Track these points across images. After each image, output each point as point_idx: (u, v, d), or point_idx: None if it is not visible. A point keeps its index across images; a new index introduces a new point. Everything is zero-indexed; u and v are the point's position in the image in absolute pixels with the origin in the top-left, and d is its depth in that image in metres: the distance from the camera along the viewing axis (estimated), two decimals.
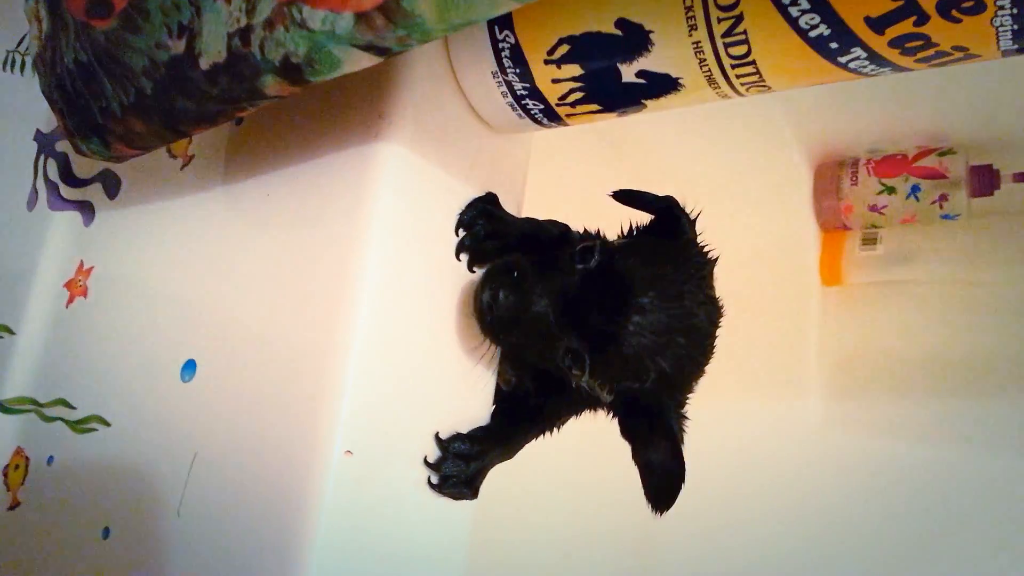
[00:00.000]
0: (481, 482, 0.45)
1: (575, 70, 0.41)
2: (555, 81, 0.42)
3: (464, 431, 0.45)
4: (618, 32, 0.38)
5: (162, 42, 0.38)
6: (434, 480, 0.43)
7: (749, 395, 1.05)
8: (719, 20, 0.36)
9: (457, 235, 0.45)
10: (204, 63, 0.37)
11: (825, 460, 1.00)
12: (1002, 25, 0.31)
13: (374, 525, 0.40)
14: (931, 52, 0.34)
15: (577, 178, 0.81)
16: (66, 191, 0.62)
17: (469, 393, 0.46)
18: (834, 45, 0.34)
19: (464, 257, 0.45)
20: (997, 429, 0.94)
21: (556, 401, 0.49)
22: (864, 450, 1.00)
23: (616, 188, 0.46)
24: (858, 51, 0.34)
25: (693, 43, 0.37)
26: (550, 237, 0.48)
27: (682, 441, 0.43)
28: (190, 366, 0.47)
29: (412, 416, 0.42)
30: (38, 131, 0.65)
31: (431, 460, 0.43)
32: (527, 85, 0.43)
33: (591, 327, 0.41)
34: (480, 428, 0.46)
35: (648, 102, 0.42)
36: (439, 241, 0.44)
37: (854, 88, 0.88)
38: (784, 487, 1.00)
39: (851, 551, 0.95)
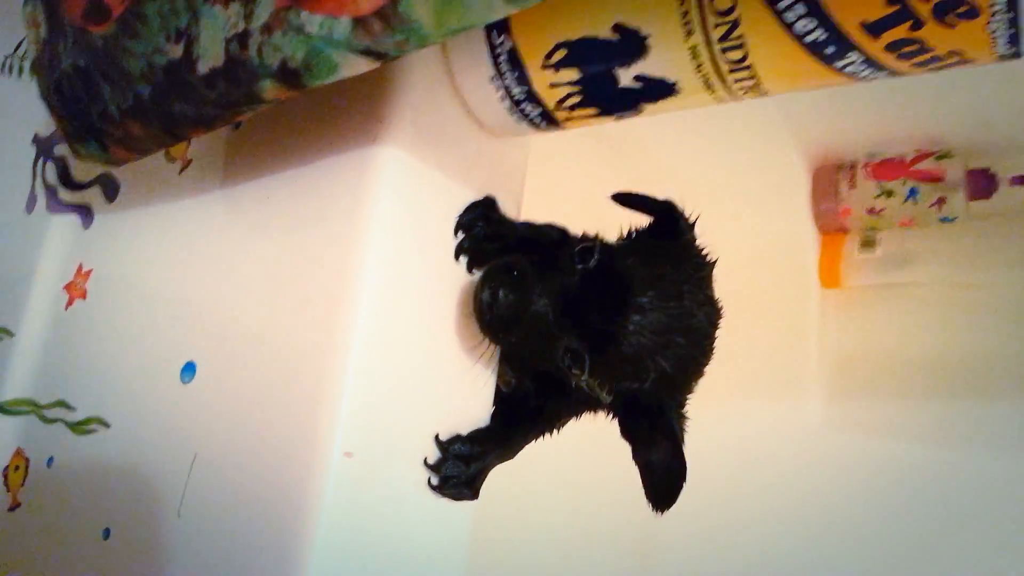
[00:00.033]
0: (481, 483, 0.45)
1: (572, 74, 0.41)
2: (552, 85, 0.42)
3: (464, 432, 0.45)
4: (615, 37, 0.38)
5: (160, 47, 0.39)
6: (434, 481, 0.43)
7: (749, 397, 1.05)
8: (715, 25, 0.36)
9: (456, 238, 0.45)
10: (202, 68, 0.37)
11: (824, 461, 1.00)
12: (997, 30, 0.31)
13: (374, 526, 0.40)
14: (927, 57, 0.34)
15: (575, 181, 0.81)
16: (65, 194, 0.62)
17: (469, 394, 0.46)
18: (830, 50, 0.35)
19: (463, 259, 0.46)
20: (995, 430, 0.94)
21: (556, 402, 0.49)
22: (863, 451, 1.00)
23: (615, 191, 0.46)
24: (854, 56, 0.35)
25: (690, 47, 0.37)
26: (549, 240, 0.48)
27: (683, 441, 0.43)
28: (189, 368, 0.47)
29: (412, 417, 0.42)
30: (36, 135, 0.65)
31: (431, 461, 0.43)
32: (525, 89, 0.43)
33: (591, 326, 0.41)
34: (480, 429, 0.46)
35: (645, 106, 0.42)
36: (438, 244, 0.45)
37: (852, 91, 0.88)
38: (783, 488, 1.00)
39: (850, 551, 0.96)
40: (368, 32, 0.32)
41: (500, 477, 0.47)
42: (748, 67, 0.37)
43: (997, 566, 0.89)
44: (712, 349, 0.45)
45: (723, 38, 0.36)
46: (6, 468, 0.57)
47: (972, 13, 0.31)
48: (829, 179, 1.08)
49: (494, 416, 0.47)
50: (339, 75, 0.34)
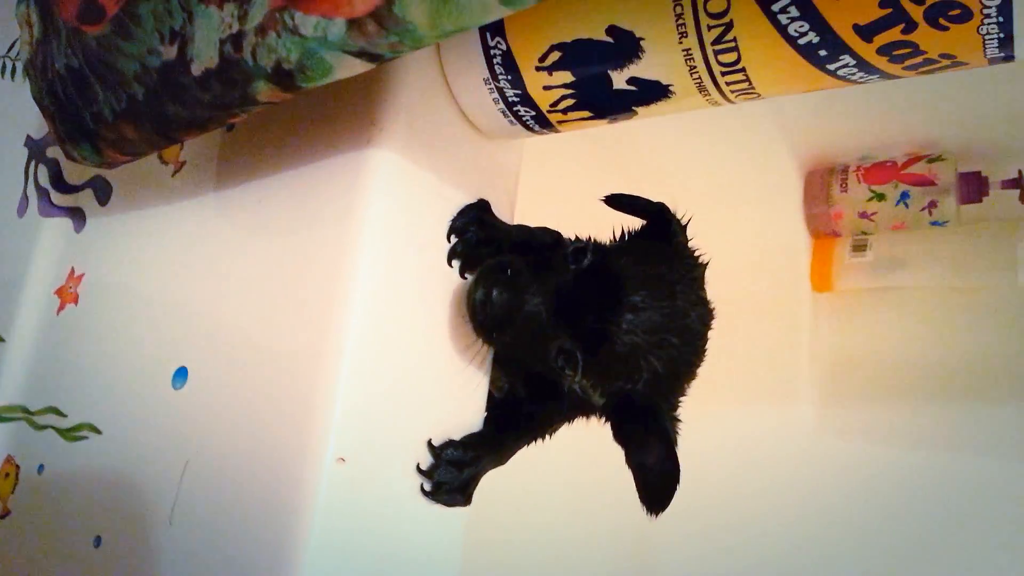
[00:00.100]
0: (474, 489, 0.45)
1: (566, 77, 0.41)
2: (546, 88, 0.42)
3: (457, 438, 0.45)
4: (609, 39, 0.38)
5: (154, 48, 0.38)
6: (427, 487, 0.43)
7: (741, 400, 1.05)
8: (709, 27, 0.36)
9: (449, 241, 0.45)
10: (196, 69, 0.37)
11: (816, 464, 1.00)
12: (988, 33, 0.32)
13: (367, 532, 0.40)
14: (919, 60, 0.34)
15: (569, 184, 0.81)
16: (57, 197, 0.61)
17: (462, 399, 0.46)
18: (823, 53, 0.35)
19: (456, 263, 0.45)
20: (987, 433, 0.94)
21: (549, 408, 0.49)
22: (855, 454, 1.00)
23: (608, 194, 0.46)
24: (847, 59, 0.35)
25: (683, 50, 0.37)
26: (542, 244, 0.48)
27: (676, 443, 0.43)
28: (181, 373, 0.47)
29: (405, 423, 0.42)
30: (29, 137, 0.65)
31: (424, 467, 0.43)
32: (519, 92, 0.43)
33: (584, 326, 0.41)
34: (473, 435, 0.46)
35: (639, 109, 0.42)
36: (431, 247, 0.44)
37: (844, 95, 0.89)
38: (776, 491, 1.00)
39: (844, 555, 0.96)
40: (363, 33, 0.32)
41: (495, 478, 0.47)
42: (742, 70, 0.37)
43: (991, 569, 0.90)
44: (704, 350, 0.45)
45: (717, 41, 0.36)
46: None
47: (965, 16, 0.31)
48: (821, 183, 1.09)
49: (487, 421, 0.47)
50: (333, 77, 0.34)
